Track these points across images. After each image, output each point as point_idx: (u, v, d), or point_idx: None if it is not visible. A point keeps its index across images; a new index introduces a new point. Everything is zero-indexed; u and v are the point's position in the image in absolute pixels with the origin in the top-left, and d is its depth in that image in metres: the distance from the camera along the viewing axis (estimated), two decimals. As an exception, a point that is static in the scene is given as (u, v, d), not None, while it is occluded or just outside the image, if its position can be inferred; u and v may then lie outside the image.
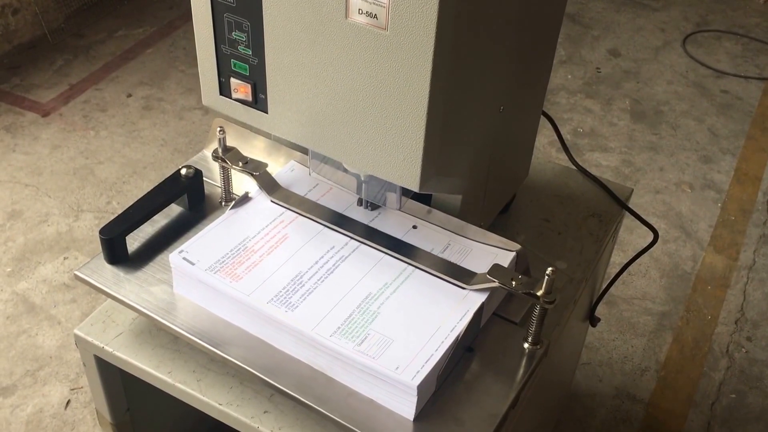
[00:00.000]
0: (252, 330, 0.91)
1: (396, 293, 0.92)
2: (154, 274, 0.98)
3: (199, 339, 0.91)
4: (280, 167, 1.11)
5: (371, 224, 1.01)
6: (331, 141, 0.89)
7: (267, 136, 1.13)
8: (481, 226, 1.01)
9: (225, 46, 0.91)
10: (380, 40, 0.79)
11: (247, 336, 0.91)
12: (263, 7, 0.85)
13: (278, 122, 0.93)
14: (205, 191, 1.10)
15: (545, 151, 2.40)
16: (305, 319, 0.88)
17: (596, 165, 2.39)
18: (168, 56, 2.83)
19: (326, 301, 0.90)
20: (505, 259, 0.96)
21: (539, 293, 0.87)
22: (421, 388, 0.82)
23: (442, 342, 0.86)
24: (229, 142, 1.06)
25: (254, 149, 1.13)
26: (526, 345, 0.93)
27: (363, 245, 0.99)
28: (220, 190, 1.10)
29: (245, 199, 1.04)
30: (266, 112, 0.93)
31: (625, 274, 1.33)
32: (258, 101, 0.93)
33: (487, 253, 0.97)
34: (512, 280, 0.89)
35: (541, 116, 1.20)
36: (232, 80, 0.94)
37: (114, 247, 0.98)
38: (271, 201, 1.04)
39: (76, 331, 1.01)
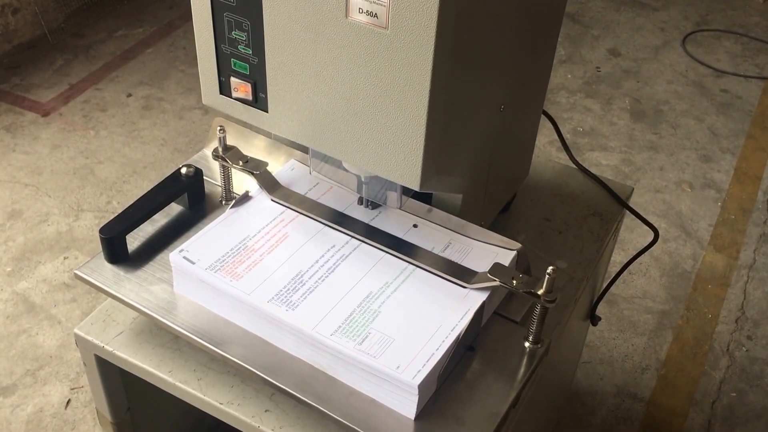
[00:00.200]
0: (252, 329, 0.91)
1: (397, 292, 0.92)
2: (154, 273, 0.98)
3: (200, 338, 0.91)
4: (280, 166, 1.10)
5: (372, 223, 1.01)
6: (332, 140, 0.89)
7: (267, 135, 1.13)
8: (481, 225, 1.01)
9: (225, 46, 0.91)
10: (380, 40, 0.78)
11: (248, 335, 0.91)
12: (263, 6, 0.85)
13: (278, 121, 0.93)
14: (206, 190, 1.10)
15: (545, 151, 2.40)
16: (306, 318, 0.88)
17: (596, 164, 2.39)
18: (168, 56, 2.83)
19: (327, 300, 0.90)
20: (506, 258, 0.96)
21: (540, 292, 0.87)
22: (422, 387, 0.82)
23: (443, 341, 0.86)
24: (230, 141, 1.06)
25: (254, 148, 1.13)
26: (526, 344, 0.93)
27: (363, 244, 0.99)
28: (220, 189, 1.10)
29: (245, 198, 1.04)
30: (266, 111, 0.93)
31: (625, 272, 1.33)
32: (258, 100, 0.93)
33: (488, 252, 0.97)
34: (513, 279, 0.89)
35: (542, 116, 1.20)
36: (233, 79, 0.93)
37: (114, 246, 0.98)
38: (272, 200, 1.04)
39: (76, 330, 1.01)
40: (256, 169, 1.04)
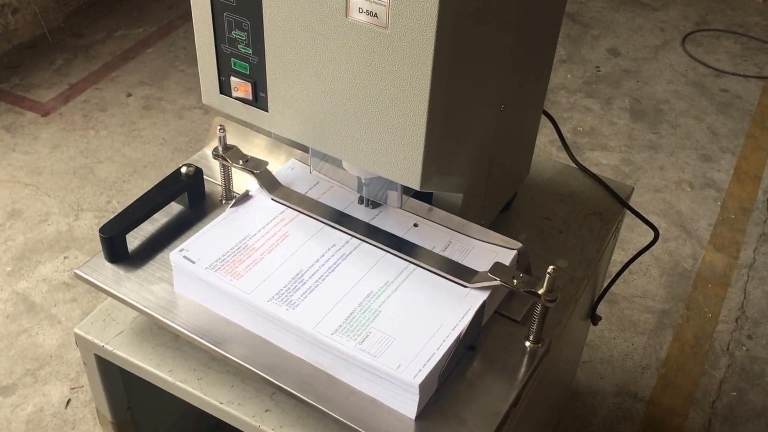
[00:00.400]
0: (253, 328, 0.91)
1: (397, 291, 0.92)
2: (154, 273, 0.98)
3: (200, 337, 0.90)
4: (280, 165, 1.10)
5: (372, 222, 1.01)
6: (332, 139, 0.89)
7: (267, 134, 1.13)
8: (482, 225, 1.00)
9: (225, 45, 0.91)
10: (381, 39, 0.78)
11: (248, 334, 0.91)
12: (263, 6, 0.85)
13: (279, 120, 0.93)
14: (206, 189, 1.10)
15: (546, 150, 2.40)
16: (306, 317, 0.88)
17: (596, 164, 2.39)
18: (168, 56, 2.83)
19: (327, 299, 0.90)
20: (507, 257, 0.96)
21: (540, 292, 0.87)
22: (423, 386, 0.82)
23: (444, 340, 0.86)
24: (230, 141, 1.06)
25: (255, 147, 1.13)
26: (527, 343, 0.93)
27: (364, 243, 0.99)
28: (220, 188, 1.10)
29: (246, 197, 1.04)
30: (266, 111, 0.93)
31: (625, 272, 1.33)
32: (258, 100, 0.93)
33: (489, 251, 0.97)
34: (513, 278, 0.89)
35: (542, 115, 1.20)
36: (233, 79, 0.93)
37: (114, 245, 0.98)
38: (272, 199, 1.04)
39: (76, 329, 1.01)
40: (256, 168, 1.04)
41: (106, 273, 0.98)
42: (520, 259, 0.97)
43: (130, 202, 1.02)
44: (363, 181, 0.99)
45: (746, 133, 2.57)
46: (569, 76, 2.82)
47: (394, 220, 1.02)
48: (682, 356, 1.83)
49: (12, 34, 2.81)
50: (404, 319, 0.89)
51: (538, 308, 0.90)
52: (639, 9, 3.26)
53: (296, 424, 0.91)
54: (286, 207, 1.03)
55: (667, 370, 1.80)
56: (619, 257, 1.98)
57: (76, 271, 0.98)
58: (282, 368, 0.88)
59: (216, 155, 1.05)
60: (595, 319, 1.40)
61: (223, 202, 1.09)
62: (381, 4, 0.76)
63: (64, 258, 2.00)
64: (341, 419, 0.83)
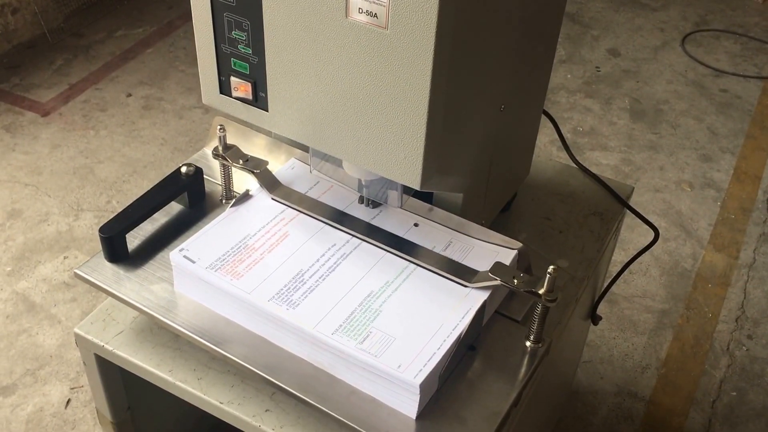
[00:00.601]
0: (253, 328, 0.91)
1: (398, 291, 0.92)
2: (154, 273, 0.98)
3: (200, 337, 0.90)
4: (280, 165, 1.10)
5: (372, 222, 1.01)
6: (332, 139, 0.89)
7: (267, 133, 1.13)
8: (482, 224, 1.00)
9: (225, 45, 0.91)
10: (381, 39, 0.78)
11: (248, 334, 0.91)
12: (263, 6, 0.85)
13: (279, 120, 0.93)
14: (206, 189, 1.10)
15: (546, 150, 2.40)
16: (306, 317, 0.88)
17: (596, 164, 2.39)
18: (168, 56, 2.83)
19: (328, 299, 0.90)
20: (507, 257, 0.96)
21: (541, 291, 0.87)
22: (424, 386, 0.82)
23: (444, 340, 0.86)
24: (230, 140, 1.06)
25: (255, 147, 1.13)
26: (528, 343, 0.93)
27: (364, 243, 0.99)
28: (220, 188, 1.10)
29: (246, 196, 1.04)
30: (266, 110, 0.93)
31: (625, 272, 1.33)
32: (258, 99, 0.93)
33: (489, 251, 0.97)
34: (514, 278, 0.89)
35: (542, 115, 1.20)
36: (233, 79, 0.93)
37: (114, 245, 0.98)
38: (272, 199, 1.04)
39: (76, 329, 1.01)
40: (256, 167, 1.04)
41: (106, 273, 0.98)
42: (521, 258, 0.97)
43: (130, 202, 1.02)
44: (363, 183, 0.99)
45: (746, 133, 2.57)
46: (569, 76, 2.82)
47: (394, 220, 1.01)
48: (682, 356, 1.83)
49: (12, 34, 2.81)
50: (405, 318, 0.89)
51: (539, 308, 0.90)
52: (639, 9, 3.26)
53: (296, 424, 0.91)
54: (286, 206, 1.03)
55: (667, 370, 1.80)
56: (619, 257, 1.98)
57: (76, 270, 0.98)
58: (282, 368, 0.88)
59: (216, 155, 1.05)
60: (595, 319, 1.40)
61: (223, 201, 1.09)
62: (381, 5, 0.76)
63: (64, 258, 2.00)
64: (342, 419, 0.83)
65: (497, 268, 0.91)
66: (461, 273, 0.94)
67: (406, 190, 0.99)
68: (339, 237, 0.99)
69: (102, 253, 0.99)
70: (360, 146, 0.87)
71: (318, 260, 0.95)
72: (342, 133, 0.88)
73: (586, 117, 2.62)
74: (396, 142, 0.84)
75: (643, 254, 1.33)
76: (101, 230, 0.98)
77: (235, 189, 1.09)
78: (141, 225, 1.02)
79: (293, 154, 1.12)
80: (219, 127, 1.04)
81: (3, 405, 1.66)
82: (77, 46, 2.86)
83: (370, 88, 0.82)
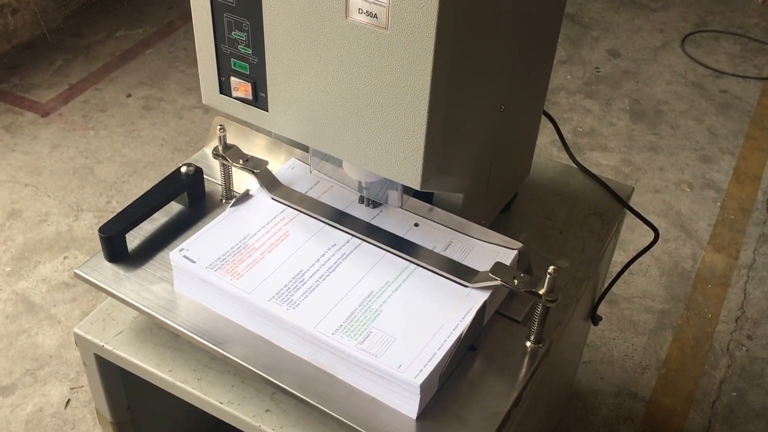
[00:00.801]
0: (253, 328, 0.91)
1: (398, 291, 0.92)
2: (154, 272, 0.98)
3: (200, 337, 0.90)
4: (280, 165, 1.10)
5: (373, 222, 1.01)
6: (332, 139, 0.89)
7: (267, 133, 1.13)
8: (482, 225, 1.00)
9: (225, 46, 0.91)
10: (380, 40, 0.78)
11: (249, 334, 0.91)
12: (263, 6, 0.85)
13: (279, 120, 0.93)
14: (206, 189, 1.10)
15: (546, 150, 2.40)
16: (307, 316, 0.88)
17: (596, 164, 2.39)
18: (168, 56, 2.83)
19: (328, 299, 0.90)
20: (507, 257, 0.96)
21: (541, 292, 0.87)
22: (424, 386, 0.82)
23: (445, 340, 0.86)
24: (230, 140, 1.06)
25: (255, 147, 1.13)
26: (528, 343, 0.93)
27: (364, 243, 0.98)
28: (220, 187, 1.10)
29: (246, 196, 1.04)
30: (267, 111, 0.93)
31: (625, 272, 1.33)
32: (258, 99, 0.93)
33: (489, 251, 0.97)
34: (514, 278, 0.89)
35: (542, 116, 1.20)
36: (233, 79, 0.93)
37: (114, 245, 0.98)
38: (272, 198, 1.04)
39: (75, 329, 1.01)
40: (256, 167, 1.04)
41: (106, 273, 0.98)
42: (521, 259, 0.97)
43: (130, 202, 1.02)
44: (363, 185, 0.99)
45: (746, 133, 2.57)
46: (569, 77, 2.82)
47: (394, 220, 1.01)
48: (682, 356, 1.83)
49: (12, 35, 2.81)
50: (405, 318, 0.89)
51: (539, 308, 0.90)
52: (638, 10, 3.26)
53: (297, 425, 0.91)
54: (286, 206, 1.03)
55: (667, 370, 1.80)
56: (619, 258, 1.98)
57: (76, 270, 0.98)
58: (282, 368, 0.87)
59: (216, 155, 1.05)
60: (595, 319, 1.40)
61: (224, 201, 1.09)
62: (381, 5, 0.76)
63: (64, 258, 2.00)
64: (342, 419, 0.83)
65: (498, 268, 0.91)
66: (461, 273, 0.94)
67: (407, 190, 0.99)
68: (339, 237, 0.99)
69: (102, 253, 0.99)
70: (360, 146, 0.87)
71: (318, 260, 0.95)
72: (342, 133, 0.88)
73: (586, 118, 2.62)
74: (396, 142, 0.84)
75: (643, 255, 1.33)
76: (101, 230, 0.98)
77: (235, 189, 1.09)
78: (141, 225, 1.02)
79: (293, 154, 1.12)
80: (219, 127, 1.04)
81: (2, 405, 1.66)
82: (77, 47, 2.86)
83: (370, 89, 0.82)
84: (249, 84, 0.92)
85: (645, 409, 1.72)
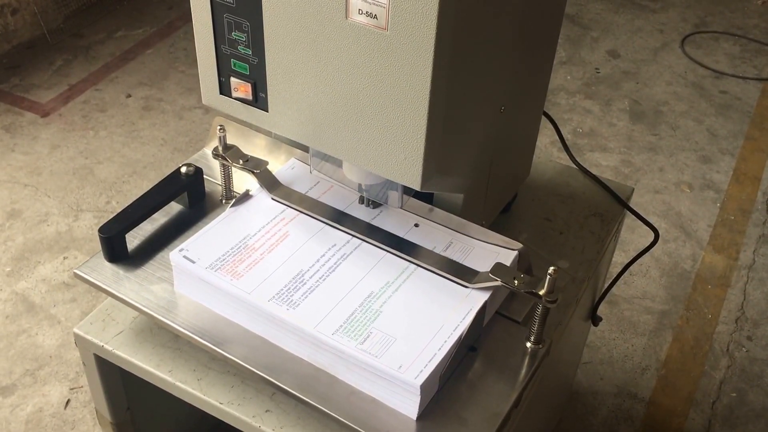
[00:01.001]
0: (253, 328, 0.91)
1: (398, 292, 0.92)
2: (154, 273, 0.98)
3: (200, 337, 0.90)
4: (280, 165, 1.10)
5: (373, 222, 1.01)
6: (332, 139, 0.89)
7: (267, 134, 1.13)
8: (482, 225, 1.00)
9: (225, 46, 0.91)
10: (380, 41, 0.78)
11: (249, 334, 0.91)
12: (263, 7, 0.85)
13: (279, 121, 0.93)
14: (206, 189, 1.10)
15: (546, 151, 2.40)
16: (307, 317, 0.88)
17: (596, 165, 2.39)
18: (168, 57, 2.83)
19: (328, 299, 0.90)
20: (507, 258, 0.96)
21: (541, 292, 0.87)
22: (424, 387, 0.82)
23: (445, 341, 0.86)
24: (230, 140, 1.06)
25: (255, 147, 1.13)
26: (528, 344, 0.93)
27: (364, 243, 0.98)
28: (220, 188, 1.10)
29: (246, 197, 1.04)
30: (267, 111, 0.93)
31: (625, 273, 1.33)
32: (258, 100, 0.93)
33: (489, 251, 0.97)
34: (514, 279, 0.89)
35: (542, 116, 1.20)
36: (233, 79, 0.93)
37: (113, 245, 0.98)
38: (272, 199, 1.04)
39: (75, 329, 1.01)
40: (256, 167, 1.04)
41: (106, 273, 0.98)
42: (521, 259, 0.97)
43: (130, 202, 1.02)
44: (363, 187, 0.99)
45: (745, 134, 2.58)
46: (569, 77, 2.82)
47: (394, 220, 1.01)
48: (682, 357, 1.83)
49: (12, 35, 2.81)
50: (405, 319, 0.89)
51: (539, 309, 0.90)
52: (638, 11, 3.26)
53: (297, 425, 0.91)
54: (286, 207, 1.03)
55: (667, 371, 1.80)
56: (619, 258, 1.98)
57: (76, 270, 0.98)
58: (282, 368, 0.87)
59: (216, 155, 1.05)
60: (595, 320, 1.40)
61: (224, 201, 1.09)
62: (380, 6, 0.76)
63: (64, 258, 2.00)
64: (342, 420, 0.83)
65: (498, 268, 0.91)
66: (462, 273, 0.94)
67: (407, 191, 0.99)
68: (339, 237, 0.99)
69: (102, 253, 0.99)
70: (360, 147, 0.87)
71: (318, 260, 0.95)
72: (342, 133, 0.88)
73: (586, 118, 2.62)
74: (396, 143, 0.84)
75: (643, 255, 1.33)
76: (101, 230, 0.97)
77: (235, 189, 1.09)
78: (141, 225, 1.02)
79: (293, 154, 1.12)
80: (219, 127, 1.04)
81: (2, 405, 1.66)
82: (77, 47, 2.86)
83: (370, 89, 0.82)
84: (249, 84, 0.92)
85: (645, 410, 1.72)
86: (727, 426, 1.69)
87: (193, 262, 0.93)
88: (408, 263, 0.96)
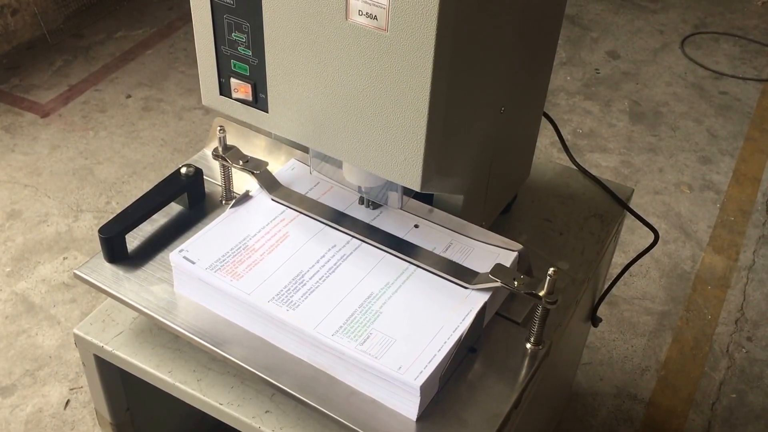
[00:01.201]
0: (253, 329, 0.91)
1: (398, 292, 0.92)
2: (154, 273, 0.98)
3: (200, 338, 0.90)
4: (280, 166, 1.10)
5: (373, 223, 1.01)
6: (332, 140, 0.89)
7: (267, 134, 1.13)
8: (482, 226, 1.00)
9: (225, 47, 0.91)
10: (380, 42, 0.78)
11: (248, 335, 0.91)
12: (263, 8, 0.85)
13: (279, 121, 0.93)
14: (206, 190, 1.10)
15: (546, 152, 2.40)
16: (307, 318, 0.88)
17: (596, 165, 2.39)
18: (168, 57, 2.83)
19: (328, 300, 0.90)
20: (507, 258, 0.96)
21: (541, 293, 0.87)
22: (424, 388, 0.82)
23: (445, 342, 0.86)
24: (230, 141, 1.06)
25: (255, 148, 1.13)
26: (528, 345, 0.93)
27: (364, 244, 0.98)
28: (220, 188, 1.10)
29: (246, 197, 1.04)
30: (266, 112, 0.93)
31: (625, 274, 1.33)
32: (258, 101, 0.93)
33: (489, 252, 0.97)
34: (514, 280, 0.89)
35: (542, 117, 1.20)
36: (232, 80, 0.93)
37: (113, 245, 0.98)
38: (272, 199, 1.04)
39: (75, 330, 1.01)
40: (256, 168, 1.04)
41: (106, 273, 0.98)
42: (521, 260, 0.97)
43: (130, 202, 1.02)
44: (362, 189, 0.99)
45: (745, 135, 2.58)
46: (569, 78, 2.82)
47: (394, 221, 1.01)
48: (682, 358, 1.83)
49: (12, 35, 2.81)
50: (405, 320, 0.89)
51: (539, 310, 0.90)
52: (638, 12, 3.26)
53: (296, 426, 0.91)
54: (286, 207, 1.03)
55: (667, 372, 1.80)
56: (619, 259, 1.98)
57: (76, 271, 0.98)
58: (282, 369, 0.87)
59: (216, 155, 1.05)
60: (595, 320, 1.40)
61: (223, 202, 1.09)
62: (380, 7, 0.76)
63: (64, 259, 2.00)
64: (342, 420, 0.83)
65: (498, 269, 0.91)
66: (462, 274, 0.94)
67: (407, 192, 0.99)
68: (339, 238, 0.99)
69: (101, 253, 0.99)
70: (360, 147, 0.87)
71: (318, 261, 0.95)
72: (342, 134, 0.88)
73: (586, 119, 2.62)
74: (396, 144, 0.84)
75: (643, 256, 1.33)
76: (101, 231, 0.97)
77: (235, 190, 1.09)
78: (141, 226, 1.02)
79: (293, 155, 1.12)
80: (219, 128, 1.04)
81: (2, 406, 1.66)
82: (77, 47, 2.86)
83: (370, 90, 0.82)
84: (249, 85, 0.92)
85: (644, 411, 1.72)
86: (726, 427, 1.69)
87: (193, 263, 0.93)
88: (408, 264, 0.96)
